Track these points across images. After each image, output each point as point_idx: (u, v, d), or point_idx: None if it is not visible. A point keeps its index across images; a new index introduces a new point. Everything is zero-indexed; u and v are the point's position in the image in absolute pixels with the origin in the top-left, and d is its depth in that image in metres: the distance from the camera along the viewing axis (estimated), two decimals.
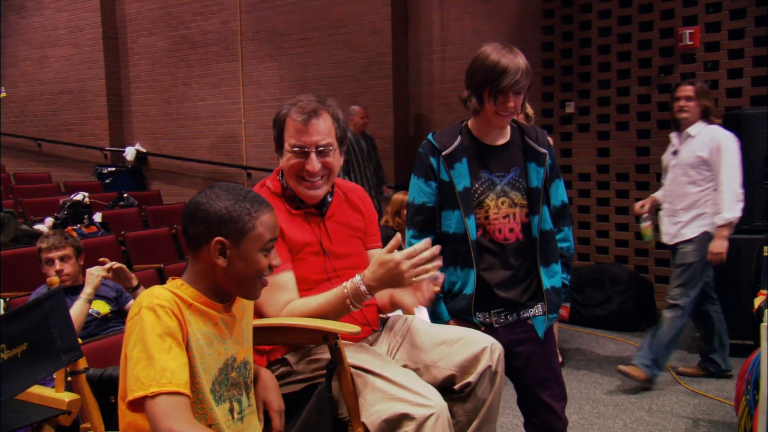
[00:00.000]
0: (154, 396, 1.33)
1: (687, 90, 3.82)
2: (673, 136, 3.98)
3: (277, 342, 1.90)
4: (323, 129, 1.97)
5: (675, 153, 3.91)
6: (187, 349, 1.44)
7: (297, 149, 1.96)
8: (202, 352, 1.48)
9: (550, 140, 4.25)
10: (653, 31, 5.46)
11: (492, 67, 2.10)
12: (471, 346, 1.96)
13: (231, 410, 1.55)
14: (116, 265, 3.07)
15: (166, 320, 1.39)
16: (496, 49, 2.13)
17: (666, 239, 3.97)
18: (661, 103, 5.44)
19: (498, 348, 1.98)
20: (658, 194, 4.15)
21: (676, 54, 5.37)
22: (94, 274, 3.00)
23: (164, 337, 1.38)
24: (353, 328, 1.80)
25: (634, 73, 5.56)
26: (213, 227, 1.47)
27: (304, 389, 1.89)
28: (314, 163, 1.95)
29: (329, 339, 1.78)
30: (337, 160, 2.02)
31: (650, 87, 5.48)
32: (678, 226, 3.88)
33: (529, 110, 4.18)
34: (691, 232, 3.84)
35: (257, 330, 1.75)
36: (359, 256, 2.12)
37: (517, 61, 2.10)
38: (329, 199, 2.06)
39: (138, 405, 1.37)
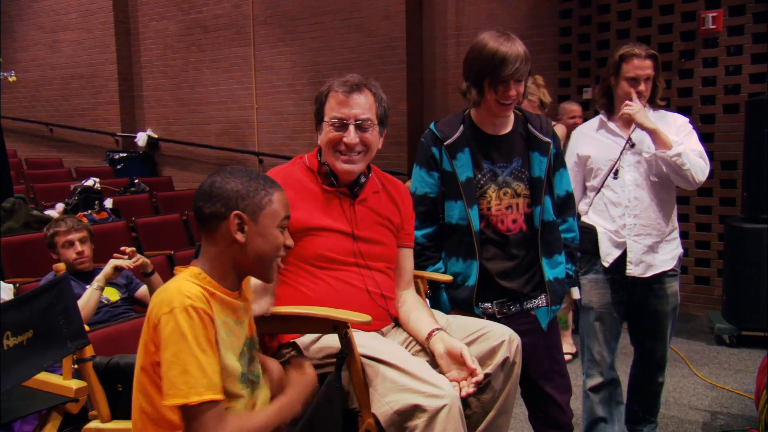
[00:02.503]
0: (193, 405, 1.38)
1: (647, 67, 2.62)
2: (611, 125, 2.74)
3: (285, 331, 1.88)
4: (364, 104, 1.97)
5: (632, 146, 2.68)
6: (216, 343, 1.46)
7: (336, 121, 1.96)
8: (225, 345, 1.49)
9: (563, 129, 4.25)
10: (674, 14, 5.37)
11: (491, 56, 2.07)
12: (489, 339, 1.94)
13: (252, 385, 1.59)
14: (140, 261, 3.10)
15: (199, 323, 1.41)
16: (493, 37, 2.10)
17: (637, 271, 2.67)
18: (681, 89, 5.35)
19: (516, 339, 1.96)
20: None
21: (698, 38, 5.27)
22: (116, 264, 3.02)
23: (198, 340, 1.40)
24: (363, 318, 1.77)
25: None
26: (230, 203, 1.49)
27: None
28: (352, 136, 1.95)
29: (339, 328, 1.76)
30: (375, 138, 2.01)
31: (671, 73, 5.39)
32: (657, 252, 2.68)
33: (546, 98, 4.12)
34: (673, 257, 2.73)
35: (265, 318, 1.74)
36: (389, 246, 2.09)
37: (516, 48, 2.07)
38: (362, 180, 2.04)
39: (173, 408, 1.41)
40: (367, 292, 1.97)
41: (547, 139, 2.24)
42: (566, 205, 2.33)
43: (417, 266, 2.30)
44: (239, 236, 1.50)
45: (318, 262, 1.94)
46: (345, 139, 1.95)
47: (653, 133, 2.57)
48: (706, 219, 5.31)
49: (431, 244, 2.28)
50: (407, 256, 2.17)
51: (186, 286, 1.45)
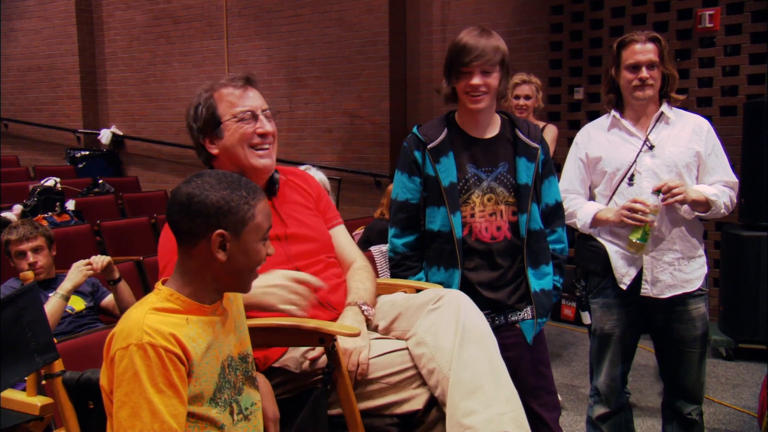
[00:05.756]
0: None
1: (648, 51, 2.51)
2: (626, 122, 2.62)
3: (270, 343, 1.87)
4: (259, 95, 2.01)
5: (651, 148, 2.56)
6: (189, 375, 1.43)
7: (247, 114, 1.95)
8: (203, 369, 1.47)
9: (555, 130, 4.27)
10: (670, 11, 5.45)
11: (454, 46, 2.18)
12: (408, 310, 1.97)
13: (231, 413, 1.54)
14: (105, 261, 3.04)
15: (157, 362, 1.37)
16: (465, 31, 2.18)
17: (654, 291, 2.56)
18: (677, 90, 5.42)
19: (448, 293, 1.94)
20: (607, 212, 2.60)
21: (695, 37, 5.36)
22: (82, 270, 2.96)
23: (155, 381, 1.36)
24: (352, 330, 1.78)
25: None
26: (211, 220, 1.44)
27: (299, 395, 1.88)
28: (267, 124, 1.97)
29: (326, 341, 1.76)
30: (275, 128, 2.04)
31: None
32: (678, 271, 2.56)
33: (540, 104, 4.12)
34: (698, 277, 2.60)
35: (251, 330, 1.73)
36: (321, 233, 2.11)
37: (484, 41, 2.14)
38: (276, 176, 2.05)
39: None
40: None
41: (535, 145, 2.27)
42: (556, 214, 2.35)
43: (397, 276, 2.32)
44: (221, 255, 1.46)
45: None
46: (260, 129, 1.96)
47: (694, 203, 2.51)
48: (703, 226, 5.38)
49: (412, 253, 2.31)
50: (339, 234, 2.20)
51: (150, 319, 1.40)
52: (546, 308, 2.27)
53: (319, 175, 3.30)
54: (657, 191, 2.47)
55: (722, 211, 2.54)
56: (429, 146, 2.23)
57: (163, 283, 1.53)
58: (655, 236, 2.54)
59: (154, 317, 1.42)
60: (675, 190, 2.44)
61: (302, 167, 3.28)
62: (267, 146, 1.98)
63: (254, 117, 1.96)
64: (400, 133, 6.70)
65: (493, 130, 2.29)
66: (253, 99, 1.98)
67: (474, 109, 2.21)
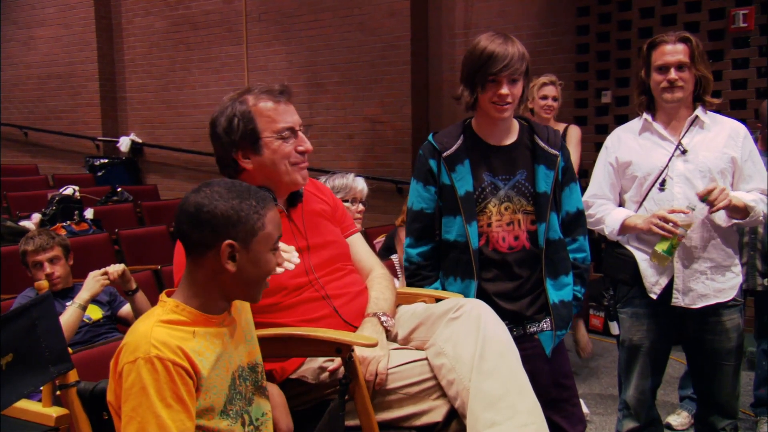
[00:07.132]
0: None
1: (677, 52, 2.47)
2: (657, 126, 2.58)
3: (287, 353, 1.88)
4: (294, 109, 2.03)
5: (684, 152, 2.52)
6: (197, 390, 1.44)
7: (287, 131, 1.97)
8: (212, 381, 1.48)
9: (579, 131, 4.23)
10: (701, 12, 5.39)
11: (479, 54, 2.14)
12: (429, 319, 1.99)
13: (242, 424, 1.55)
14: (120, 270, 3.06)
15: (165, 376, 1.38)
16: (487, 37, 2.17)
17: (685, 301, 2.52)
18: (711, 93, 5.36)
19: (467, 303, 1.94)
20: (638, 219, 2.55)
21: (728, 37, 5.30)
22: (100, 280, 2.99)
23: (162, 395, 1.38)
24: (369, 340, 1.78)
25: None
26: (220, 230, 1.46)
27: (317, 406, 1.88)
28: (306, 142, 2.01)
29: (343, 352, 1.77)
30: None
31: None
32: (710, 280, 2.52)
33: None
34: (732, 286, 2.56)
35: (267, 340, 1.74)
36: (339, 242, 2.13)
37: (508, 48, 2.12)
38: (301, 190, 2.09)
39: None
40: (332, 306, 2.00)
41: (555, 152, 2.25)
42: (577, 223, 2.34)
43: (413, 286, 2.33)
44: (230, 266, 1.47)
45: (282, 297, 1.95)
46: (301, 147, 1.99)
47: (733, 209, 2.44)
48: None
49: (427, 263, 2.31)
50: (356, 243, 2.22)
51: (157, 332, 1.42)
52: (565, 320, 2.26)
53: (361, 184, 3.34)
54: (700, 199, 2.41)
55: (760, 218, 2.50)
56: (444, 155, 2.23)
57: (168, 294, 1.54)
58: (688, 244, 2.49)
59: (161, 330, 1.43)
60: (720, 196, 2.35)
61: (347, 176, 3.31)
62: (305, 163, 2.01)
63: (294, 133, 1.98)
64: (422, 138, 6.65)
65: (511, 137, 2.28)
66: (292, 114, 1.99)
67: (499, 119, 2.21)
